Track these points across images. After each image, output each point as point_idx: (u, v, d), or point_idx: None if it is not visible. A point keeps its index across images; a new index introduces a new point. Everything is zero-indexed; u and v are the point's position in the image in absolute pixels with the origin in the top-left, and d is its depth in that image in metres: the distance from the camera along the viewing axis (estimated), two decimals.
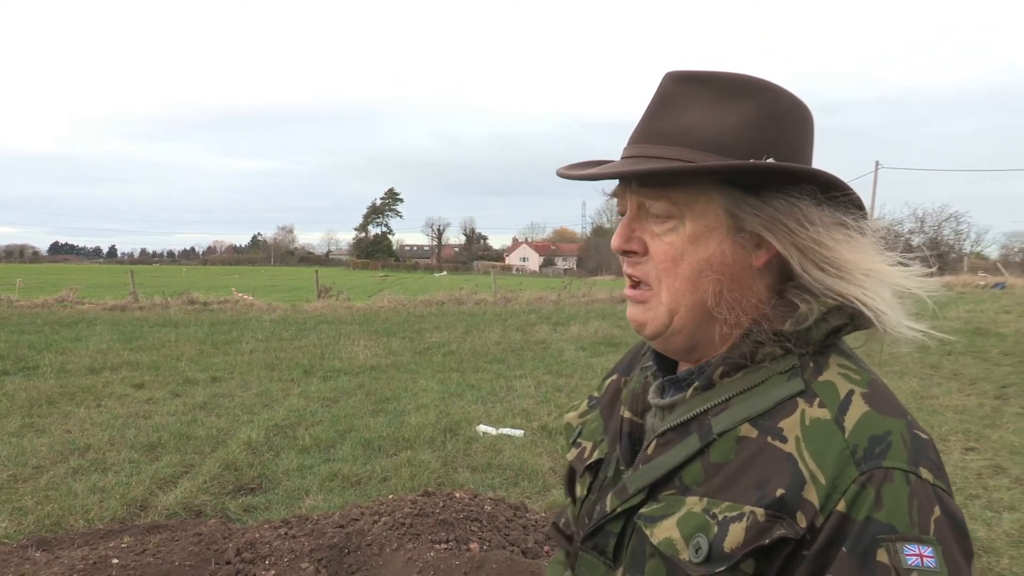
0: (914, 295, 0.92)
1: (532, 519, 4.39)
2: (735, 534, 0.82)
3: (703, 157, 0.90)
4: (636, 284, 0.99)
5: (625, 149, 0.98)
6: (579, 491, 1.13)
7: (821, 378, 0.89)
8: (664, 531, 0.89)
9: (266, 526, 4.18)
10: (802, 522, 0.80)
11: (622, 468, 1.03)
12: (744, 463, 0.87)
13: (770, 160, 0.90)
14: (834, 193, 0.91)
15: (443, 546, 3.73)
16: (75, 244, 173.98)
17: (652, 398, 1.05)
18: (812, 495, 0.80)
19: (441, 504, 4.22)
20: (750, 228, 0.92)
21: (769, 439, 0.86)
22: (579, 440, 1.18)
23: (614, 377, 1.22)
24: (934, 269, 0.95)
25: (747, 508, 0.83)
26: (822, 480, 0.81)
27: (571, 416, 1.25)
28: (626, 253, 0.97)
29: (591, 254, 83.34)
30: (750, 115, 0.91)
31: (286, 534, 3.96)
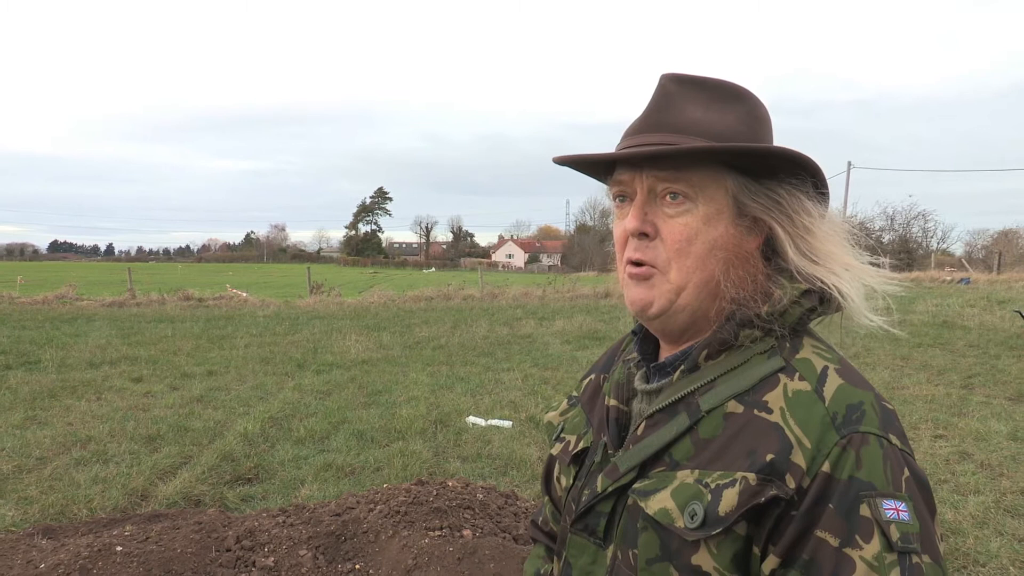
0: (880, 293, 1.01)
1: (523, 506, 4.47)
2: (728, 499, 0.88)
3: (713, 143, 0.97)
4: (638, 265, 1.02)
5: (628, 139, 1.03)
6: (564, 481, 1.17)
7: (798, 356, 0.97)
8: (658, 502, 0.94)
9: (264, 515, 4.23)
10: (791, 483, 0.86)
11: (611, 452, 1.07)
12: (732, 435, 0.93)
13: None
14: (822, 189, 1.01)
15: (437, 533, 3.80)
16: (74, 242, 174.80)
17: (638, 384, 1.10)
18: (799, 458, 0.87)
19: (434, 493, 4.27)
20: (751, 213, 0.99)
21: (755, 412, 0.93)
22: (562, 435, 1.22)
23: (592, 376, 1.26)
24: (899, 275, 1.06)
25: (739, 474, 0.89)
26: (807, 444, 0.88)
27: (552, 415, 1.29)
28: (640, 235, 1.01)
29: (575, 251, 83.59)
30: (743, 116, 1.01)
31: (284, 522, 4.03)
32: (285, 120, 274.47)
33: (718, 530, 0.88)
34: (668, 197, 0.99)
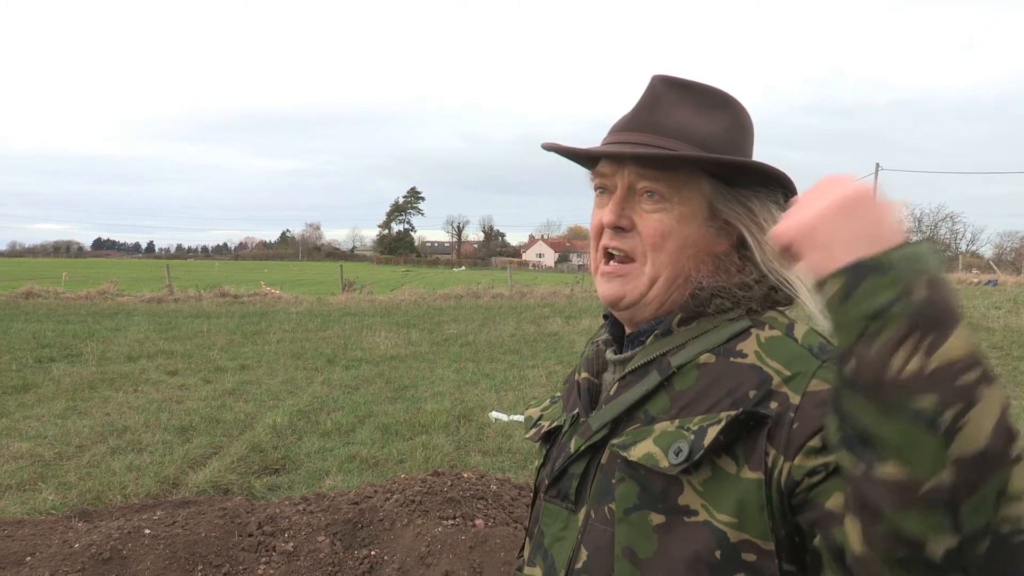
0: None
1: None
2: (712, 434, 0.89)
3: (696, 152, 1.01)
4: (611, 258, 1.07)
5: (615, 135, 1.07)
6: (537, 462, 1.20)
7: (764, 317, 1.01)
8: (642, 449, 0.95)
9: (286, 502, 4.39)
10: (774, 407, 0.88)
11: (582, 420, 1.08)
12: (709, 383, 0.96)
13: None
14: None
15: (450, 522, 3.91)
16: (116, 240, 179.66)
17: (609, 356, 1.13)
18: (781, 385, 0.90)
19: (449, 483, 4.37)
20: (723, 217, 1.03)
21: (730, 359, 0.96)
22: (539, 422, 1.25)
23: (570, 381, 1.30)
24: None
25: (722, 414, 0.90)
26: (787, 373, 0.91)
27: (533, 411, 1.31)
28: (616, 228, 1.04)
29: None
30: (728, 124, 1.06)
31: (304, 510, 4.18)
32: (321, 121, 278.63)
33: (700, 455, 0.89)
34: (646, 195, 1.03)
